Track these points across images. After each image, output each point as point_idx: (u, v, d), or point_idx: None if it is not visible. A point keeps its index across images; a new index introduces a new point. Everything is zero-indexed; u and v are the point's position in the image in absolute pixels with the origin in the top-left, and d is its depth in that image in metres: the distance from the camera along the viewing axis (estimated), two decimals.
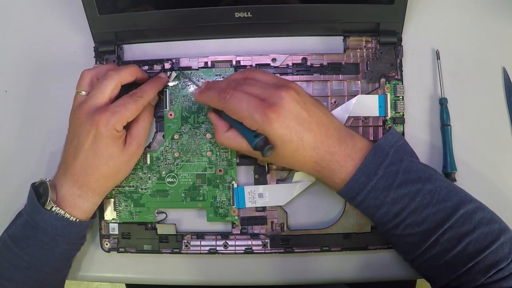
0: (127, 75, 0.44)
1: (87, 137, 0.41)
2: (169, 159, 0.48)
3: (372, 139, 0.47)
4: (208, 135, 0.47)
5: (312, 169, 0.42)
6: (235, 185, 0.47)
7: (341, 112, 0.47)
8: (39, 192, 0.42)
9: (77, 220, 0.42)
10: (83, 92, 0.44)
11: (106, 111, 0.41)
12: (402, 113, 0.47)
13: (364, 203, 0.40)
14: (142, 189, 0.48)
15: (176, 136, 0.48)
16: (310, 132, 0.40)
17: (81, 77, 0.44)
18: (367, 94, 0.47)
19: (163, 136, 0.48)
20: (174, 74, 0.47)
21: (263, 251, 0.47)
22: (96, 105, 0.42)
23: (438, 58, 0.48)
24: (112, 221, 0.48)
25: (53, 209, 0.41)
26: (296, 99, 0.40)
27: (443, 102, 0.47)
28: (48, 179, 0.43)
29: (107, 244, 0.48)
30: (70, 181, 0.42)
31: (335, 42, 0.48)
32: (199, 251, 0.47)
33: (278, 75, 0.47)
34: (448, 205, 0.39)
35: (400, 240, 0.41)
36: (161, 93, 0.47)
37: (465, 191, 0.41)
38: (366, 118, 0.47)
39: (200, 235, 0.48)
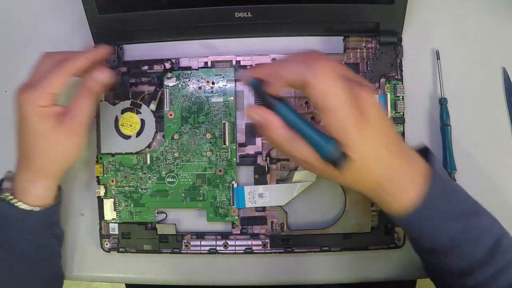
0: (78, 64, 0.40)
1: (17, 117, 0.40)
2: (169, 159, 0.48)
3: None
4: (208, 135, 0.47)
5: (371, 190, 0.37)
6: (235, 185, 0.47)
7: None
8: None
9: (32, 208, 0.41)
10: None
11: (27, 87, 0.39)
12: (402, 113, 0.47)
13: (422, 233, 0.37)
14: (142, 189, 0.48)
15: (176, 136, 0.48)
16: (387, 149, 0.35)
17: (43, 57, 0.42)
18: None
19: (163, 136, 0.48)
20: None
21: (263, 251, 0.47)
22: (26, 82, 0.40)
23: (438, 58, 0.48)
24: (112, 221, 0.48)
25: (7, 198, 0.41)
26: (381, 108, 0.35)
27: (443, 102, 0.47)
28: (10, 171, 0.43)
29: (107, 244, 0.48)
30: (18, 166, 0.42)
31: (335, 42, 0.48)
32: (199, 251, 0.47)
33: None
34: (493, 236, 0.37)
35: (443, 269, 0.38)
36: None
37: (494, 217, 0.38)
38: None
39: (200, 235, 0.48)
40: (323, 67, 0.33)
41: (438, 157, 0.40)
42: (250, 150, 0.48)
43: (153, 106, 0.47)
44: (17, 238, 0.41)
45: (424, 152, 0.39)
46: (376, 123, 0.34)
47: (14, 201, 0.41)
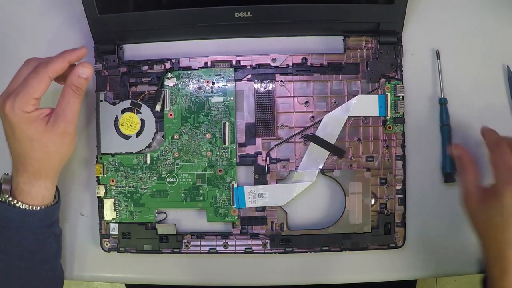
0: (57, 66, 0.40)
1: (4, 125, 0.40)
2: (169, 159, 0.48)
3: (372, 139, 0.47)
4: (208, 135, 0.47)
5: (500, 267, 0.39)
6: (235, 185, 0.47)
7: (341, 112, 0.47)
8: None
9: (32, 208, 0.41)
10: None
11: (9, 95, 0.39)
12: (402, 113, 0.47)
13: None
14: (142, 189, 0.48)
15: (176, 136, 0.48)
16: None
17: (23, 64, 0.42)
18: (367, 94, 0.47)
19: (163, 136, 0.48)
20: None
21: (263, 251, 0.47)
22: (8, 90, 0.40)
23: (438, 58, 0.48)
24: (112, 221, 0.48)
25: (6, 200, 0.41)
26: None
27: (442, 102, 0.47)
28: (7, 173, 0.43)
29: (107, 244, 0.48)
30: (14, 169, 0.42)
31: (335, 42, 0.48)
32: (199, 251, 0.47)
33: (278, 75, 0.47)
34: None
35: None
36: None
37: None
38: (366, 118, 0.47)
39: (200, 235, 0.48)
40: (503, 147, 0.40)
41: None
42: (250, 150, 0.48)
43: (158, 107, 0.47)
44: (17, 238, 0.41)
45: None
46: None
47: (13, 202, 0.41)
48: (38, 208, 0.42)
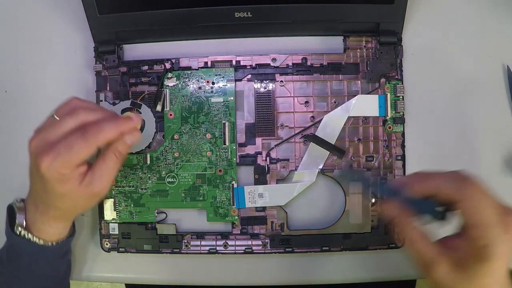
0: (109, 136, 0.37)
1: (35, 174, 0.38)
2: (169, 159, 0.48)
3: (372, 139, 0.47)
4: (208, 135, 0.47)
5: None
6: (235, 185, 0.47)
7: (341, 112, 0.47)
8: (13, 210, 0.41)
9: (49, 244, 0.41)
10: (57, 118, 0.38)
11: (50, 152, 0.36)
12: (402, 113, 0.47)
13: None
14: (142, 189, 0.48)
15: (176, 136, 0.48)
16: None
17: (65, 102, 0.39)
18: (367, 94, 0.47)
19: (163, 136, 0.48)
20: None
21: (263, 251, 0.47)
22: (47, 139, 0.37)
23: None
24: (112, 221, 0.48)
25: (22, 233, 0.40)
26: None
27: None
28: (19, 199, 0.42)
29: (107, 244, 0.48)
30: (32, 205, 0.40)
31: (335, 42, 0.48)
32: (199, 251, 0.47)
33: (278, 75, 0.47)
34: None
35: None
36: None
37: None
38: (366, 118, 0.47)
39: (200, 235, 0.48)
40: (475, 187, 0.33)
41: None
42: (250, 150, 0.48)
43: (159, 107, 0.47)
44: (31, 267, 0.41)
45: None
46: None
47: (29, 236, 0.40)
48: (54, 243, 0.41)
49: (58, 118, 0.38)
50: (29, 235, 0.40)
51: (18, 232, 0.40)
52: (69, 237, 0.44)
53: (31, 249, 0.40)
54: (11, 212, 0.41)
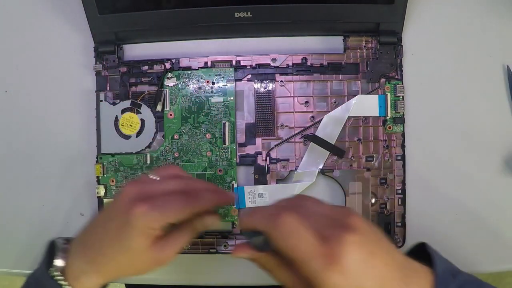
0: (206, 206, 0.38)
1: (116, 219, 0.36)
2: (169, 159, 0.48)
3: (372, 139, 0.47)
4: (208, 135, 0.47)
5: None
6: (235, 185, 0.47)
7: (341, 112, 0.47)
8: (53, 248, 0.39)
9: None
10: (158, 178, 0.38)
11: (149, 202, 0.35)
12: (402, 113, 0.47)
13: None
14: None
15: (176, 136, 0.48)
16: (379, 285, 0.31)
17: (165, 167, 0.42)
18: (367, 94, 0.47)
19: (163, 136, 0.48)
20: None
21: None
22: (147, 191, 0.36)
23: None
24: None
25: (57, 279, 0.37)
26: (365, 246, 0.31)
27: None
28: (63, 239, 0.39)
29: None
30: (80, 250, 0.38)
31: (335, 42, 0.48)
32: (199, 251, 0.47)
33: (278, 75, 0.47)
34: None
35: None
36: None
37: None
38: (366, 118, 0.47)
39: (200, 235, 0.48)
40: (284, 223, 0.32)
41: (438, 253, 0.36)
42: (250, 150, 0.48)
43: (159, 107, 0.47)
44: None
45: (421, 246, 0.37)
46: (355, 268, 0.30)
47: (64, 284, 0.37)
48: None
49: (158, 179, 0.38)
50: (64, 282, 0.37)
51: (52, 275, 0.37)
52: None
53: None
54: (51, 250, 0.39)
